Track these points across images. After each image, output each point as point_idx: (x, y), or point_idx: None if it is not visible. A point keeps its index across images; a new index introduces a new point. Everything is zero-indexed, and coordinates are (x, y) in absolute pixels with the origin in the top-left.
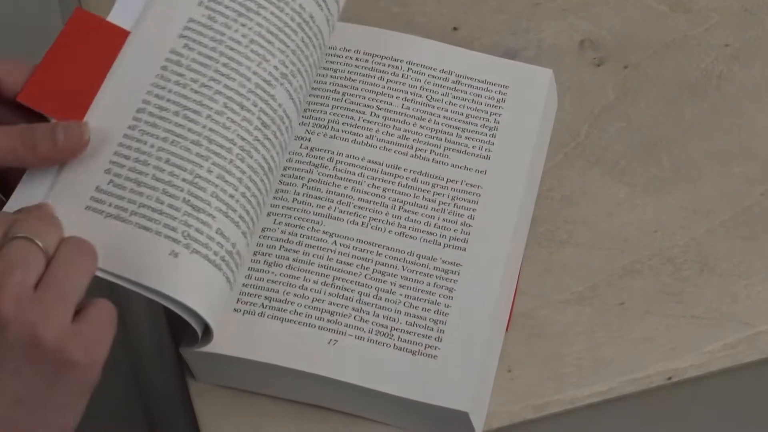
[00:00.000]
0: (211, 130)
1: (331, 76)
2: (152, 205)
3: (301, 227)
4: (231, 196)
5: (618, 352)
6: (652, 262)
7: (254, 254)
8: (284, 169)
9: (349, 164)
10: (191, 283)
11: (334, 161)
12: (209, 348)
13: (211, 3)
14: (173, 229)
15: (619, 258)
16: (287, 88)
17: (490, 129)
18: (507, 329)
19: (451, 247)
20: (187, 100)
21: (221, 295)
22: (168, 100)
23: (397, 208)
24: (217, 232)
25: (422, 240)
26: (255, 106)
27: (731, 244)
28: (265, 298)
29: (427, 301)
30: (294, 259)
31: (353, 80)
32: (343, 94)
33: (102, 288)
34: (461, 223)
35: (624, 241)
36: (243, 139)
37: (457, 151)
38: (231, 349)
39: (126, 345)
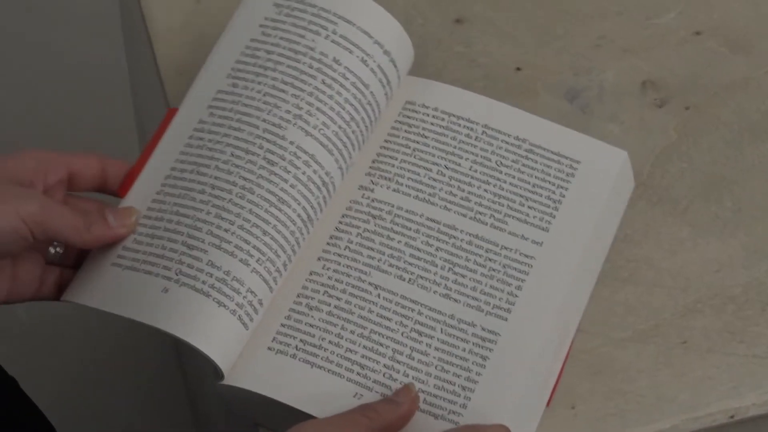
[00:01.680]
0: (215, 178)
1: (405, 131)
2: (156, 251)
3: (348, 275)
4: (226, 230)
5: (680, 390)
6: (714, 301)
7: (298, 296)
8: (342, 216)
9: (406, 219)
10: (180, 314)
11: (393, 214)
12: (237, 382)
13: (236, 72)
14: (168, 269)
15: (681, 297)
16: (302, 126)
17: (554, 201)
18: (548, 404)
19: (493, 315)
20: (201, 158)
21: (216, 323)
22: (188, 162)
23: (446, 269)
24: (208, 264)
25: (465, 304)
26: (261, 148)
27: None
28: (300, 340)
29: (459, 367)
30: (335, 306)
31: (426, 137)
32: (414, 150)
33: None
34: (507, 293)
35: (686, 280)
36: (244, 179)
37: (517, 219)
38: (257, 385)
39: (186, 385)
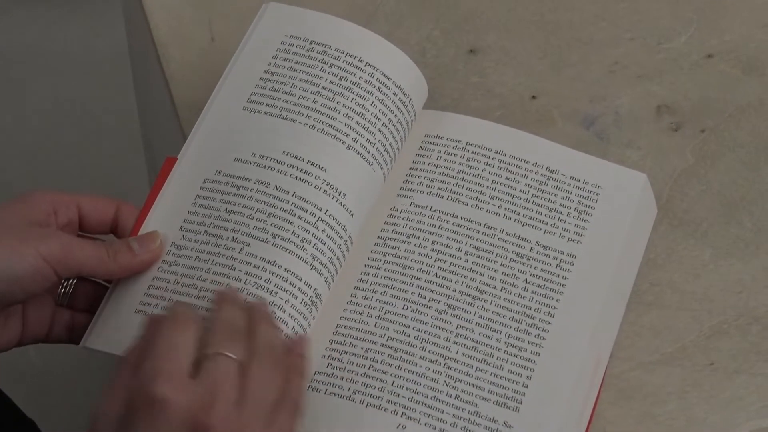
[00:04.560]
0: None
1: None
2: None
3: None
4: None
5: (710, 412)
6: (739, 322)
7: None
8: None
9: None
10: None
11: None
12: None
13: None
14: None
15: (707, 319)
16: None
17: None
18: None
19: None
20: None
21: None
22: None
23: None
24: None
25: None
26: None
27: None
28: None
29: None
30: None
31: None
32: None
33: None
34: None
35: (710, 302)
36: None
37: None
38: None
39: None
